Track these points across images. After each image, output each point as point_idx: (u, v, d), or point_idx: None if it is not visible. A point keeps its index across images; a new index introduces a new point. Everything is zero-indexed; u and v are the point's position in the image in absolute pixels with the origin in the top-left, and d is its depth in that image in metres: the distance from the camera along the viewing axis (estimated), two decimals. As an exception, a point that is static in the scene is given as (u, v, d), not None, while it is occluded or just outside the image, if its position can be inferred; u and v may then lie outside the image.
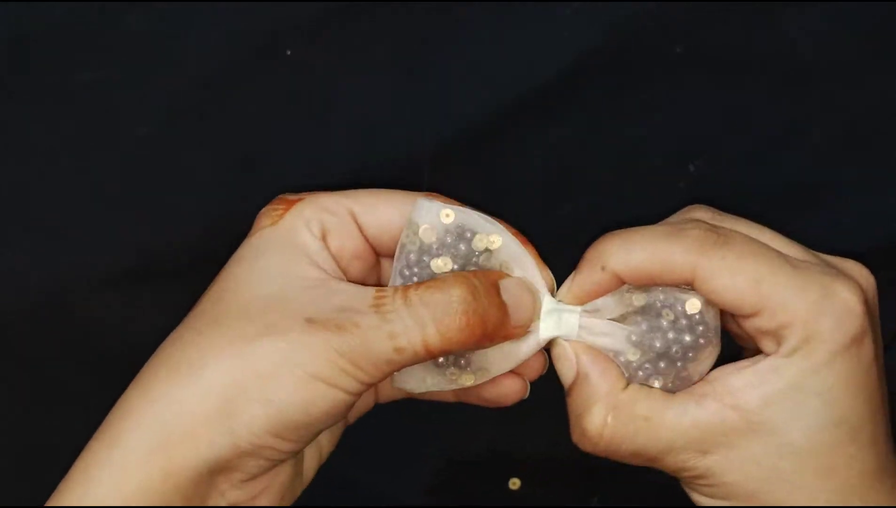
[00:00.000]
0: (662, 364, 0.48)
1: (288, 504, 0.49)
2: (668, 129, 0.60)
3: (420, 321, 0.45)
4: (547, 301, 0.49)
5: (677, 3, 0.58)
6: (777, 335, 0.46)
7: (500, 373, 0.50)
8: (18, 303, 0.62)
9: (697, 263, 0.46)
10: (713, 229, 0.47)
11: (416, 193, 0.50)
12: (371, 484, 0.66)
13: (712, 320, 0.48)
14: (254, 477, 0.46)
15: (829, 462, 0.46)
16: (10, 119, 0.60)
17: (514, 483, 0.65)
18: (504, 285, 0.47)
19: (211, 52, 0.59)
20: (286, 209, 0.49)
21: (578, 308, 0.49)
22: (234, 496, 0.46)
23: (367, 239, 0.50)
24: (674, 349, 0.48)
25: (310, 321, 0.45)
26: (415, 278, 0.49)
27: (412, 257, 0.49)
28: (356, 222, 0.50)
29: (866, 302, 0.47)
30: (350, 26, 0.59)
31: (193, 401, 0.44)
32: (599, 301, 0.49)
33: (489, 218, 0.49)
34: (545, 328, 0.49)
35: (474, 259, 0.49)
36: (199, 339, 0.46)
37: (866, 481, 0.47)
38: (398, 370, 0.46)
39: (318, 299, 0.46)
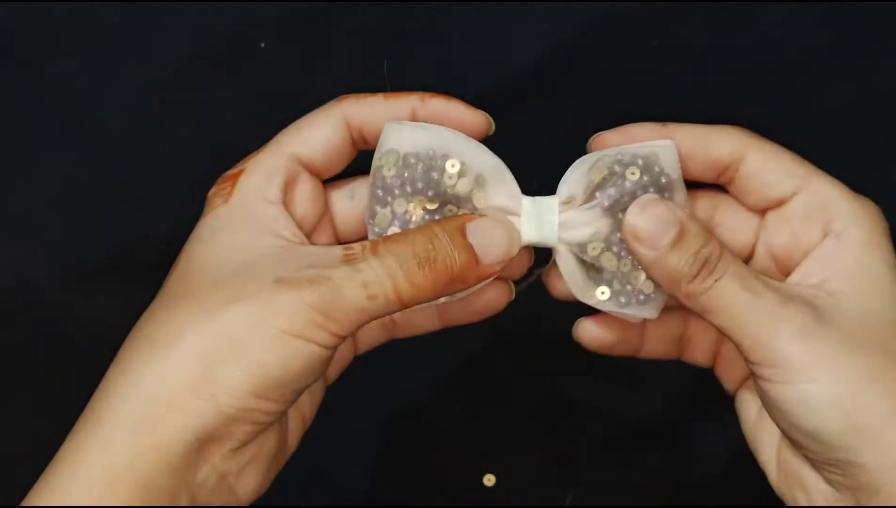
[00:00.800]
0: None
1: (273, 475, 0.49)
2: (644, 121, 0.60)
3: (389, 270, 0.46)
4: (525, 202, 0.50)
5: (653, 1, 0.58)
6: (823, 219, 0.49)
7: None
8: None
9: (748, 145, 0.50)
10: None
11: (340, 99, 0.51)
12: (346, 482, 0.66)
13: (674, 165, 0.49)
14: (243, 444, 0.46)
15: None
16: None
17: (489, 480, 0.65)
18: (472, 227, 0.48)
19: (187, 46, 0.59)
20: (232, 185, 0.50)
21: (556, 203, 0.49)
22: (224, 466, 0.46)
23: (313, 170, 0.51)
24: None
25: (279, 280, 0.45)
26: (388, 199, 0.49)
27: (387, 180, 0.49)
28: (300, 162, 0.51)
29: None
30: (325, 21, 0.59)
31: (173, 374, 0.44)
32: (569, 187, 0.49)
33: (458, 133, 0.50)
34: (526, 232, 0.50)
35: (448, 181, 0.49)
36: (172, 314, 0.46)
37: None
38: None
39: (286, 261, 0.47)
